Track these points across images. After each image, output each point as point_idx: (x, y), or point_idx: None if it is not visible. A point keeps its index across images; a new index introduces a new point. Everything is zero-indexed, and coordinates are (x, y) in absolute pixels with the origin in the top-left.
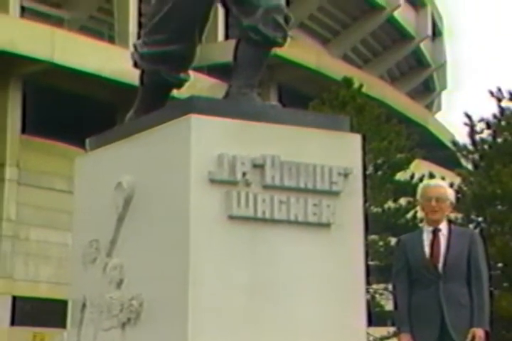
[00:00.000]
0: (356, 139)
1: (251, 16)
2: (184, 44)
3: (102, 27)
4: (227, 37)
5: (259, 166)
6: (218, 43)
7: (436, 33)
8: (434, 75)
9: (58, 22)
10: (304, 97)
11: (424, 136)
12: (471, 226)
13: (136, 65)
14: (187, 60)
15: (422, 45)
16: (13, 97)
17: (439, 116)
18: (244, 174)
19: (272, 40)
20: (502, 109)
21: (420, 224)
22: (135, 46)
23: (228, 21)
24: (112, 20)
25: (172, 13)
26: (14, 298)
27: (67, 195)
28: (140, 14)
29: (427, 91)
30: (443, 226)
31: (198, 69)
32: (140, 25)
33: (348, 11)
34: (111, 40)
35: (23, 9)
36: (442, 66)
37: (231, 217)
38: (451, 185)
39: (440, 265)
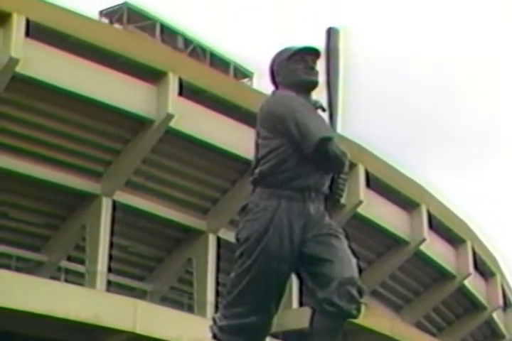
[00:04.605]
0: None
1: (326, 289)
2: (262, 316)
3: (181, 297)
4: (301, 304)
5: None
6: (293, 310)
7: (508, 304)
8: None
9: (141, 293)
10: None
11: None
12: None
13: (215, 337)
14: (264, 330)
15: (495, 315)
16: None
17: None
18: None
19: (346, 313)
20: None
21: None
22: (214, 319)
23: (302, 289)
24: (191, 290)
25: (250, 287)
26: None
27: None
28: (218, 283)
29: None
30: None
31: (274, 335)
32: (217, 293)
33: (420, 279)
34: (190, 309)
35: (109, 283)
36: None
37: None
38: None
39: None
